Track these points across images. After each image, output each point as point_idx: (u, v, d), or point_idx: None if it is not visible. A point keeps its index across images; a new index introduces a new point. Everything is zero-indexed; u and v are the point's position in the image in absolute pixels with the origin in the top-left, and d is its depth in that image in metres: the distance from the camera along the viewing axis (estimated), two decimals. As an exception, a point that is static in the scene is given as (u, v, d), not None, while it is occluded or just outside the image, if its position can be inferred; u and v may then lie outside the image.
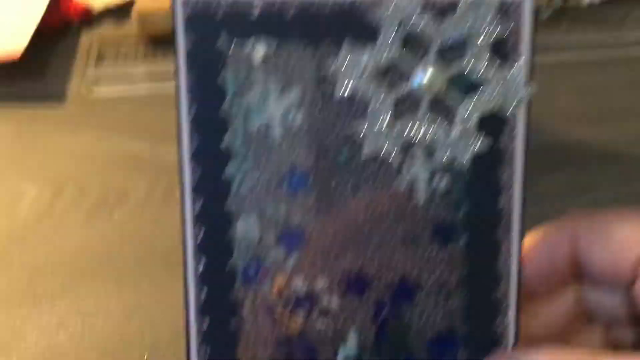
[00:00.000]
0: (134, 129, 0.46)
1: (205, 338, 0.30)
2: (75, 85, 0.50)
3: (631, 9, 0.54)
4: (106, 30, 0.55)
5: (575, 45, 0.50)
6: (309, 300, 0.30)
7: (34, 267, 0.39)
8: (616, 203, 0.41)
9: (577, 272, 0.30)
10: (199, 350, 0.30)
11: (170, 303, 0.37)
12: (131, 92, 0.49)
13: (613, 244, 0.28)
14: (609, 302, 0.30)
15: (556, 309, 0.31)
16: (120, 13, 0.55)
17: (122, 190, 0.43)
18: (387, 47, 0.28)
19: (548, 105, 0.46)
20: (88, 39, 0.54)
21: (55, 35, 0.54)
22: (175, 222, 0.41)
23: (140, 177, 0.43)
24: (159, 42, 0.52)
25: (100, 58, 0.51)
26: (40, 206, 0.42)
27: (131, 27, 0.53)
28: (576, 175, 0.43)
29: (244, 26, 0.28)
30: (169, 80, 0.48)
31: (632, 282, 0.28)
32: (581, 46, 0.50)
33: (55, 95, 0.49)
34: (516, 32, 0.28)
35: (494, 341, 0.30)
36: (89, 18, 0.55)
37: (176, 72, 0.28)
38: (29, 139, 0.46)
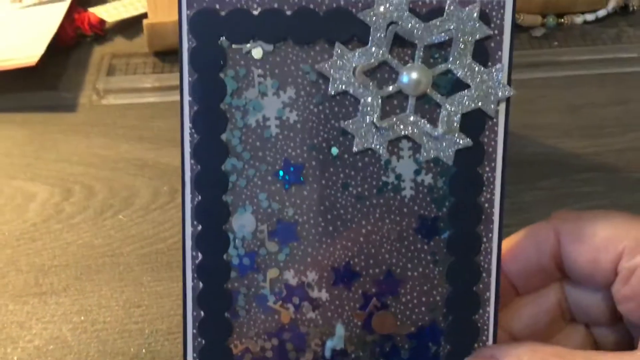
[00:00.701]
0: (141, 136, 0.48)
1: (201, 329, 0.31)
2: (86, 95, 0.52)
3: (625, 28, 0.55)
4: (117, 43, 0.57)
5: (567, 62, 0.51)
6: (299, 292, 0.31)
7: (41, 265, 0.40)
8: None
9: (560, 271, 0.31)
10: (194, 341, 0.31)
11: (169, 299, 0.38)
12: (139, 101, 0.51)
13: (594, 243, 0.29)
14: (590, 301, 0.31)
15: (539, 307, 0.31)
16: (131, 27, 0.58)
17: (127, 193, 0.44)
18: (376, 48, 0.29)
19: (538, 120, 0.48)
20: (100, 52, 0.56)
21: (69, 48, 0.56)
22: (177, 224, 0.43)
23: (146, 181, 0.45)
24: (168, 55, 0.55)
25: (111, 70, 0.53)
26: (49, 207, 0.44)
27: (142, 40, 0.55)
28: (563, 185, 0.44)
29: (244, 28, 0.30)
30: (175, 91, 0.50)
31: (612, 282, 0.29)
32: (573, 63, 0.51)
33: (67, 103, 0.51)
34: (497, 35, 0.30)
35: (475, 333, 0.31)
36: (102, 32, 0.58)
37: (180, 71, 0.30)
38: (41, 143, 0.48)
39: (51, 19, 0.55)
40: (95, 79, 0.53)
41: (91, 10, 0.58)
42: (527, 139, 0.46)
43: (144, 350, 0.36)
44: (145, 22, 0.52)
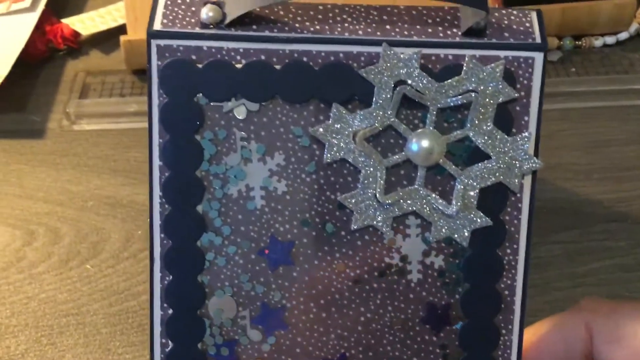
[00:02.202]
0: (116, 168, 0.43)
1: None
2: (56, 119, 0.47)
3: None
4: (93, 58, 0.52)
5: (585, 92, 0.47)
6: (287, 386, 0.27)
7: (-2, 322, 0.36)
8: (626, 273, 0.38)
9: None
10: None
11: (141, 370, 0.34)
12: (115, 127, 0.46)
13: (634, 346, 0.25)
14: None
15: None
16: (109, 40, 0.53)
17: (97, 238, 0.40)
18: (381, 110, 0.25)
19: (553, 159, 0.43)
20: (73, 68, 0.51)
21: (39, 63, 0.51)
22: (152, 276, 0.39)
23: (118, 223, 0.40)
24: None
25: (85, 90, 0.48)
26: (10, 253, 0.39)
27: (120, 55, 0.50)
28: (582, 238, 0.40)
29: (225, 84, 0.25)
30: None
31: None
32: (592, 94, 0.47)
33: (35, 128, 0.46)
34: (524, 98, 0.25)
35: None
36: (76, 45, 0.52)
37: (149, 130, 0.26)
38: (3, 176, 0.43)
39: (20, 31, 0.50)
40: (67, 99, 0.48)
41: (64, 21, 0.52)
42: (542, 182, 0.41)
43: None
44: (122, 38, 0.48)
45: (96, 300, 0.37)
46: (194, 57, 0.25)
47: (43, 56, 0.51)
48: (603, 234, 0.40)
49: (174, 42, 0.25)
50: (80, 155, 0.44)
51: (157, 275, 0.26)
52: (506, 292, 0.26)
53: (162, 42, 0.25)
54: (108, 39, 0.53)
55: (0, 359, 0.34)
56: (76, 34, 0.52)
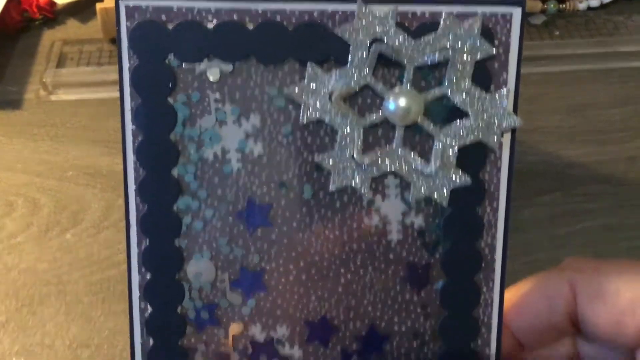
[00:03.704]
0: (95, 138, 0.43)
1: (152, 391, 0.27)
2: (33, 89, 0.46)
3: (633, 16, 0.50)
4: (70, 27, 0.51)
5: (569, 56, 0.46)
6: (267, 349, 0.27)
7: (-23, 293, 0.36)
8: (609, 232, 0.38)
9: (574, 327, 0.27)
10: (144, 403, 0.27)
11: (122, 337, 0.34)
12: (93, 96, 0.45)
13: (618, 304, 0.25)
14: (607, 358, 0.27)
15: None
16: (86, 8, 0.52)
17: (77, 207, 0.39)
18: (357, 69, 0.24)
19: (536, 123, 0.43)
20: (50, 38, 0.50)
21: (14, 34, 0.50)
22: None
23: (97, 193, 0.40)
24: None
25: (62, 60, 0.48)
26: (-13, 224, 0.39)
27: (97, 23, 0.49)
28: (565, 200, 0.40)
29: (197, 45, 0.24)
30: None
31: (638, 346, 0.25)
32: (575, 57, 0.46)
33: (11, 98, 0.46)
34: (502, 54, 0.25)
35: (472, 395, 0.27)
36: (52, 14, 0.51)
37: (120, 93, 0.25)
38: (-21, 148, 0.43)
39: (-6, 0, 0.49)
40: (44, 69, 0.47)
41: (40, -11, 0.51)
42: (525, 145, 0.41)
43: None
44: (98, 6, 0.47)
45: (77, 269, 0.36)
46: (164, 17, 0.24)
47: (18, 26, 0.50)
48: (586, 196, 0.40)
49: (143, 3, 0.24)
50: (58, 126, 0.44)
51: (134, 240, 0.26)
52: (486, 251, 0.26)
53: (131, 3, 0.24)
54: (84, 7, 0.52)
55: (-19, 329, 0.34)
56: (52, 3, 0.51)
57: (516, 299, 0.27)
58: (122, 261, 0.37)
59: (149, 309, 0.26)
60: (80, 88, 0.46)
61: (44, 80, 0.45)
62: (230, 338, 0.27)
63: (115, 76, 0.47)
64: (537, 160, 0.41)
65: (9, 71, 0.48)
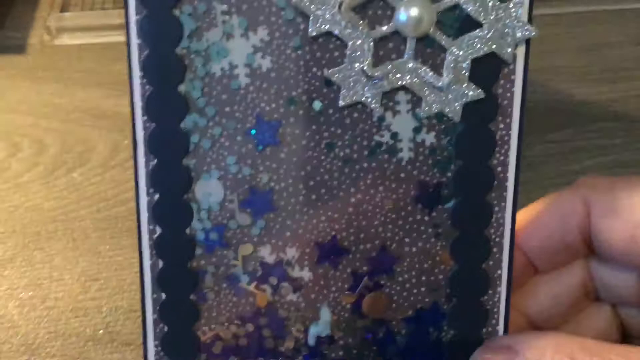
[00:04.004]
0: (100, 81, 0.43)
1: (162, 313, 0.26)
2: (37, 34, 0.46)
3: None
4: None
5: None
6: (277, 271, 0.26)
7: (-16, 231, 0.35)
8: (622, 169, 0.38)
9: (588, 247, 0.27)
10: (155, 327, 0.27)
11: (130, 271, 0.34)
12: (97, 41, 0.45)
13: (632, 218, 0.25)
14: (621, 280, 0.27)
15: (560, 286, 0.27)
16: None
17: (83, 148, 0.39)
18: (367, -22, 0.24)
19: (548, 62, 0.43)
20: (53, -15, 0.49)
21: (16, -20, 0.50)
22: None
23: (103, 134, 0.40)
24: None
25: (65, 4, 0.47)
26: (-6, 164, 0.39)
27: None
28: (577, 137, 0.39)
29: (202, -48, 0.24)
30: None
31: None
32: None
33: (15, 44, 0.45)
34: (517, -37, 0.24)
35: (483, 317, 0.26)
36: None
37: (125, 5, 0.25)
38: (-16, 91, 0.43)
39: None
40: (47, 15, 0.46)
41: None
42: (536, 84, 0.40)
43: (101, 331, 0.31)
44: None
45: (84, 207, 0.36)
46: None
47: (20, -29, 0.49)
48: (598, 132, 0.39)
49: None
50: (63, 70, 0.43)
51: (142, 159, 0.26)
52: (499, 169, 0.26)
53: None
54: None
55: (-12, 263, 0.34)
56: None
57: (529, 219, 0.27)
58: (130, 199, 0.37)
59: (158, 230, 0.26)
60: (85, 32, 0.45)
61: (47, 24, 0.45)
62: (240, 260, 0.27)
63: (119, 20, 0.47)
64: (548, 99, 0.41)
65: (11, 17, 0.47)
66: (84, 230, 0.35)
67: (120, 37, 0.47)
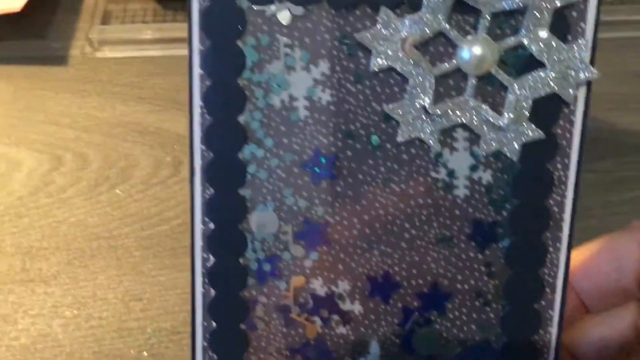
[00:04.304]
0: (141, 95, 0.43)
1: (212, 342, 0.26)
2: (78, 46, 0.46)
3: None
4: (114, -14, 0.51)
5: (622, 22, 0.45)
6: (328, 303, 0.26)
7: (28, 247, 0.36)
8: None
9: None
10: (204, 355, 0.27)
11: (174, 292, 0.34)
12: (139, 54, 0.45)
13: None
14: None
15: (612, 328, 0.27)
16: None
17: (125, 163, 0.39)
18: (431, 15, 0.24)
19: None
20: (94, -4, 0.50)
21: (58, -10, 0.50)
22: (181, 202, 0.38)
23: (146, 150, 0.40)
24: (171, 1, 0.48)
25: (106, 17, 0.47)
26: (37, 178, 0.39)
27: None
28: (618, 167, 0.39)
29: (267, -14, 0.24)
30: (180, 42, 0.44)
31: None
32: (630, 23, 0.45)
33: (56, 55, 0.45)
34: (581, 3, 0.24)
35: (534, 356, 0.26)
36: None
37: (189, 36, 0.25)
38: (27, 102, 0.43)
39: (39, -44, 0.49)
40: (89, 26, 0.47)
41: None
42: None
43: (145, 353, 0.32)
44: (145, -37, 0.46)
45: (127, 224, 0.36)
46: (236, -44, 0.24)
47: (62, -17, 0.50)
48: (638, 163, 0.39)
49: (214, -58, 0.24)
50: (104, 83, 0.44)
51: (198, 188, 0.26)
52: (555, 209, 0.26)
53: (202, -58, 0.24)
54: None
55: (32, 281, 0.34)
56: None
57: (583, 260, 0.27)
58: (172, 217, 0.37)
59: (211, 259, 0.26)
60: (126, 46, 0.45)
61: (89, 36, 0.45)
62: (292, 291, 0.27)
63: (160, 35, 0.47)
64: (588, 127, 0.40)
65: (53, 27, 0.48)
66: (127, 248, 0.35)
67: (159, 52, 0.48)
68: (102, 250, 0.35)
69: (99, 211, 0.37)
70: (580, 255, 0.27)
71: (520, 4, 0.24)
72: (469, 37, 0.24)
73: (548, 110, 0.25)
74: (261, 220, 0.26)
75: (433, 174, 0.25)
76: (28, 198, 0.38)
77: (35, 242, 0.36)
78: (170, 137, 0.40)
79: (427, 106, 0.24)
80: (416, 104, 0.24)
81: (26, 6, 0.46)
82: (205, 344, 0.27)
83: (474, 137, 0.25)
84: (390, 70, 0.24)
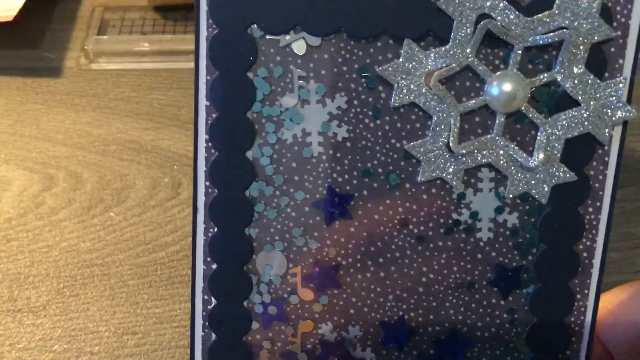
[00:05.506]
0: (139, 110, 0.41)
1: (214, 389, 0.25)
2: (73, 57, 0.44)
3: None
4: (111, -6, 0.49)
5: None
6: (338, 350, 0.25)
7: (16, 274, 0.34)
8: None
9: None
10: (205, 402, 0.25)
11: (170, 325, 0.32)
12: (137, 66, 0.43)
13: None
14: None
15: None
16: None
17: (121, 184, 0.37)
18: (459, 48, 0.22)
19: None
20: (90, 3, 0.47)
21: (53, -2, 0.48)
22: (180, 227, 0.36)
23: (142, 170, 0.38)
24: (171, 11, 0.46)
25: (103, 26, 0.45)
26: (27, 199, 0.37)
27: (139, -9, 0.47)
28: (638, 196, 0.37)
29: (283, 14, 0.22)
30: (180, 54, 0.42)
31: None
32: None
33: (50, 66, 0.43)
34: (620, 38, 0.22)
35: (559, 409, 0.25)
36: (93, -21, 0.49)
37: (195, 65, 0.23)
38: (18, 116, 0.41)
39: (33, -39, 0.47)
40: (85, 36, 0.45)
41: (81, -48, 0.49)
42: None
43: (138, 391, 0.30)
44: (144, -29, 0.44)
45: (122, 250, 0.34)
46: (249, -19, 0.22)
47: (57, -11, 0.48)
48: (660, 193, 0.37)
49: (226, -35, 0.22)
50: (100, 96, 0.42)
51: (201, 226, 0.24)
52: (584, 254, 0.24)
53: (213, -36, 0.22)
54: (127, -28, 0.50)
55: (20, 311, 0.32)
56: (93, -34, 0.48)
57: (611, 309, 0.25)
58: (169, 243, 0.35)
59: (213, 301, 0.24)
60: (123, 57, 0.43)
61: (85, 47, 0.43)
62: (299, 337, 0.25)
63: (159, 46, 0.45)
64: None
65: (47, 36, 0.45)
66: (121, 276, 0.33)
67: (158, 64, 0.46)
68: (94, 279, 0.33)
69: (92, 235, 0.35)
70: (607, 302, 0.25)
71: (556, 38, 0.22)
72: (499, 72, 0.22)
73: (581, 150, 0.23)
74: (268, 261, 0.24)
75: (454, 216, 0.24)
76: (17, 220, 0.36)
77: (24, 269, 0.34)
78: (168, 156, 0.38)
79: (451, 145, 0.22)
80: (439, 142, 0.23)
81: (19, 14, 0.44)
82: (207, 390, 0.25)
83: (500, 178, 0.23)
84: (412, 105, 0.23)
